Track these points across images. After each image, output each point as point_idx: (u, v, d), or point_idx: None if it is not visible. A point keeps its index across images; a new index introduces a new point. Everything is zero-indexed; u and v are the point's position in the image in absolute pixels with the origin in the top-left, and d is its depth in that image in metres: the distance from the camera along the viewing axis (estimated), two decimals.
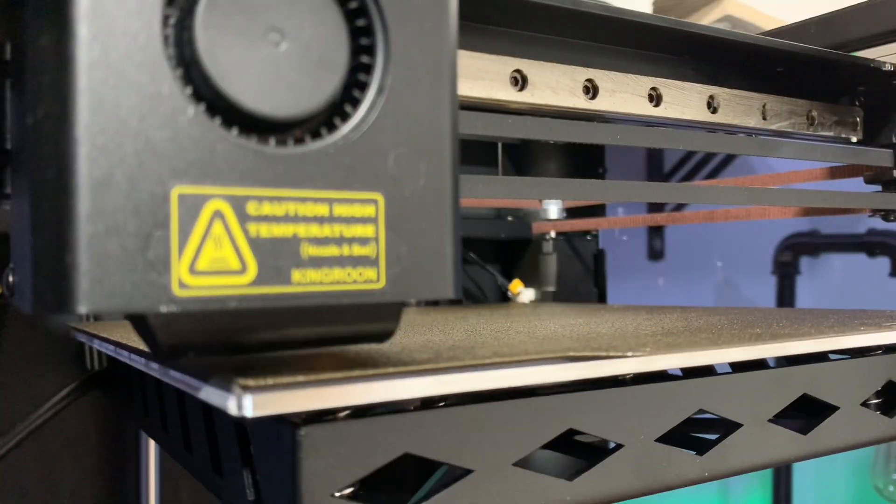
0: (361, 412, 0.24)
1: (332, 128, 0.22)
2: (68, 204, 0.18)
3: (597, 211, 0.80)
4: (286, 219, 0.21)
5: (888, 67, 0.49)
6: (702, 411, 0.31)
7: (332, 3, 0.22)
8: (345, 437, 0.24)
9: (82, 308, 0.18)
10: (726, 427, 0.32)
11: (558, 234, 0.78)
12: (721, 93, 0.45)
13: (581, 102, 0.39)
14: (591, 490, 0.28)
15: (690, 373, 0.32)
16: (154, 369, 0.30)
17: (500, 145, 0.80)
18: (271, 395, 0.22)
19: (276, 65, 0.20)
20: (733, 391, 0.32)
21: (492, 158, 0.79)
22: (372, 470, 0.24)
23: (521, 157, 0.81)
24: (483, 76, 0.36)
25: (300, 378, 0.23)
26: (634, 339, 0.32)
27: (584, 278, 0.80)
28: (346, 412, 0.24)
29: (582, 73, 0.39)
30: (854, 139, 0.52)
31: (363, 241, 0.22)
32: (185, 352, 0.21)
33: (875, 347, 0.36)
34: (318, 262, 0.21)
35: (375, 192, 0.22)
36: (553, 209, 0.77)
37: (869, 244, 1.15)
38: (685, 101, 0.45)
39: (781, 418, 0.33)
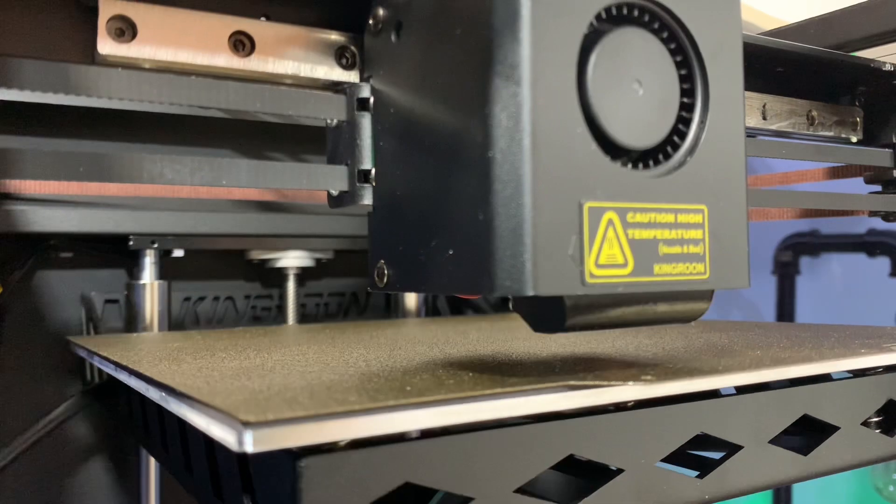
0: (362, 441, 0.24)
1: (667, 155, 0.28)
2: (524, 215, 0.25)
3: None
4: (650, 225, 0.27)
5: (888, 67, 0.49)
6: (703, 433, 0.31)
7: (669, 58, 0.28)
8: (345, 467, 0.24)
9: (530, 290, 0.25)
10: (727, 449, 0.32)
11: None
12: None
13: None
14: None
15: (691, 395, 0.32)
16: (154, 395, 0.30)
17: None
18: (272, 431, 0.22)
19: (637, 107, 0.27)
20: (734, 413, 0.32)
21: None
22: (373, 500, 0.24)
23: None
24: None
25: (300, 413, 0.23)
26: (636, 364, 0.32)
27: None
28: (346, 441, 0.24)
29: None
30: (854, 139, 0.52)
31: (695, 242, 0.28)
32: (577, 328, 0.27)
33: (875, 366, 0.36)
34: (669, 259, 0.27)
35: (702, 204, 0.28)
36: None
37: (869, 244, 1.15)
38: None
39: (781, 437, 0.33)
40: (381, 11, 0.31)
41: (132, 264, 0.59)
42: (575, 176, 0.25)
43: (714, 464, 0.32)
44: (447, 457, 0.26)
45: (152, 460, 0.59)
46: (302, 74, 0.33)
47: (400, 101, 0.30)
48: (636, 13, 0.27)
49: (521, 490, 0.27)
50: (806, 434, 0.35)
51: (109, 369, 0.38)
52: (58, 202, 0.56)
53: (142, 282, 0.57)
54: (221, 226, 0.60)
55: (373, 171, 0.32)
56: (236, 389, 0.27)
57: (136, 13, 0.30)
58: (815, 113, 0.49)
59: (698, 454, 0.34)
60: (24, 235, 0.56)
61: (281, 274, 0.66)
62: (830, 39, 0.52)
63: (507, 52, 0.25)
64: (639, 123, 0.27)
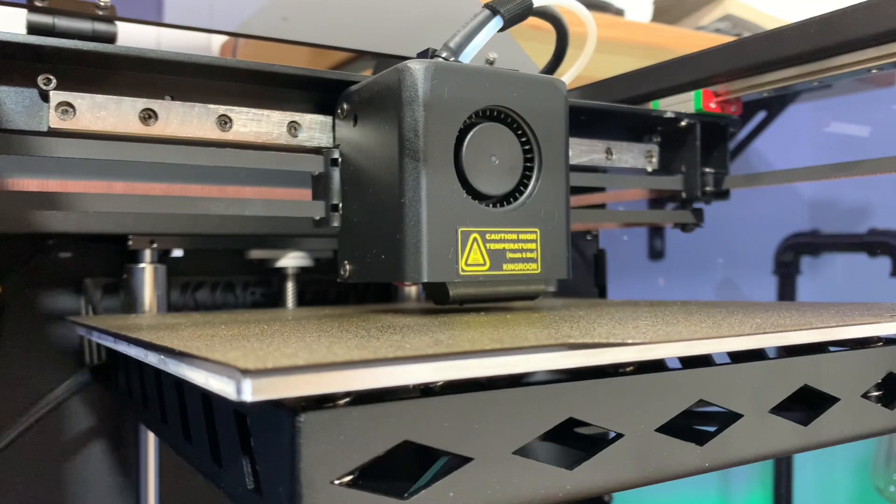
0: (361, 399, 0.24)
1: (515, 198, 0.45)
2: (422, 236, 0.41)
3: None
4: (500, 241, 0.43)
5: (669, 114, 0.62)
6: (702, 402, 0.31)
7: (516, 140, 0.45)
8: (344, 423, 0.24)
9: (425, 278, 0.41)
10: (727, 417, 0.32)
11: None
12: None
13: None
14: (591, 479, 0.28)
15: (690, 363, 0.32)
16: (153, 360, 0.30)
17: None
18: (271, 380, 0.22)
19: (493, 171, 0.44)
20: (733, 382, 0.32)
21: None
22: (372, 457, 0.24)
23: None
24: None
25: (300, 362, 0.22)
26: (635, 328, 0.32)
27: (584, 278, 0.79)
28: (346, 399, 0.24)
29: None
30: (650, 168, 0.64)
31: (531, 250, 0.45)
32: (458, 301, 0.43)
33: (875, 339, 0.36)
34: (513, 260, 0.44)
35: (536, 228, 0.45)
36: None
37: (870, 244, 1.15)
38: None
39: (782, 409, 0.33)
40: (345, 105, 0.48)
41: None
42: (453, 213, 0.42)
43: (714, 432, 0.31)
44: (447, 416, 0.26)
45: (151, 440, 0.59)
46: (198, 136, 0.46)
47: (355, 163, 0.47)
48: (495, 113, 0.44)
49: (520, 452, 0.27)
50: (806, 407, 0.35)
51: (108, 342, 0.38)
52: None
53: (140, 265, 0.57)
54: (221, 226, 0.60)
55: (340, 204, 0.48)
56: (235, 348, 0.27)
57: (75, 99, 0.43)
58: (612, 149, 0.61)
59: (698, 428, 0.34)
60: (24, 235, 0.56)
61: (280, 274, 0.66)
62: (831, 38, 0.52)
63: (412, 142, 0.41)
64: (495, 181, 0.43)
